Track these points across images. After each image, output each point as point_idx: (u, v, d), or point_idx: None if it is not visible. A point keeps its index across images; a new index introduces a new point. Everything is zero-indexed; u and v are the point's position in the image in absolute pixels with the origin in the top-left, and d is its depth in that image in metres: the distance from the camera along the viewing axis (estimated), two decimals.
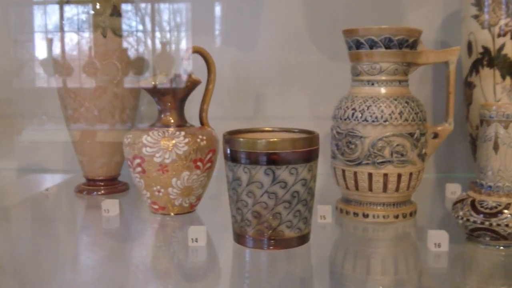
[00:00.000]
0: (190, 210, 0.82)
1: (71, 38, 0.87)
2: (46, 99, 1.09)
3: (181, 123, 0.81)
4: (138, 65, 0.92)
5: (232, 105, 1.11)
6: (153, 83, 0.80)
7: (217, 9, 1.11)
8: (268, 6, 1.09)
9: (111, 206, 0.81)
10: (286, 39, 1.10)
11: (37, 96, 1.13)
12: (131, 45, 0.91)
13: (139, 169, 0.78)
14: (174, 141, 0.77)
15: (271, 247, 0.66)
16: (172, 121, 0.81)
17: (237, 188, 0.66)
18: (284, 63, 1.10)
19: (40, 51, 1.06)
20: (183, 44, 1.06)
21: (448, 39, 1.07)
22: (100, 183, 0.95)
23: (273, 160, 0.63)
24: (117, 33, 0.88)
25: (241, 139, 0.65)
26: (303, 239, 0.67)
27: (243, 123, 1.08)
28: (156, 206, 0.80)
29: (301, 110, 1.11)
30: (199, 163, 0.78)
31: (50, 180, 1.05)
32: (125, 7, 0.90)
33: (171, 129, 0.78)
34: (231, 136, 0.67)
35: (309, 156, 0.65)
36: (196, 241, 0.68)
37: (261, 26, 1.10)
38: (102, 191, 0.95)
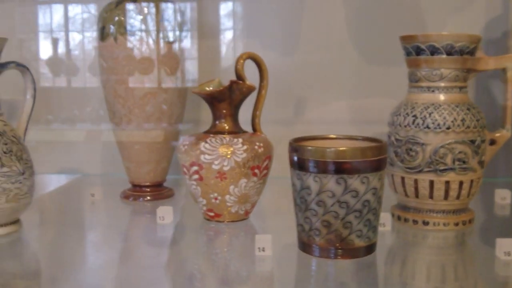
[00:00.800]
0: (244, 217, 0.81)
1: (123, 43, 0.86)
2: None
3: (236, 130, 0.80)
4: (185, 70, 0.92)
5: (273, 108, 1.10)
6: (210, 88, 0.80)
7: (258, 13, 1.10)
8: (309, 9, 1.09)
9: (166, 213, 0.81)
10: (327, 43, 1.09)
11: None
12: (180, 50, 0.90)
13: (196, 176, 0.77)
14: (232, 149, 0.76)
15: (339, 257, 0.65)
16: (227, 127, 0.80)
17: (306, 197, 0.65)
18: (325, 67, 1.10)
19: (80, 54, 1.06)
20: (229, 49, 1.06)
21: (492, 45, 1.06)
22: (146, 189, 0.95)
23: (344, 169, 0.63)
24: (169, 39, 0.88)
25: (310, 148, 0.64)
26: (370, 248, 0.67)
27: (284, 127, 1.09)
28: (211, 213, 0.80)
29: (341, 115, 1.10)
30: (256, 170, 0.78)
31: (91, 184, 1.05)
32: (166, 7, 0.89)
33: (229, 136, 0.78)
34: (298, 145, 0.66)
35: (379, 165, 0.64)
36: (263, 250, 0.67)
37: (302, 30, 1.10)
38: (148, 197, 0.94)
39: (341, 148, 0.63)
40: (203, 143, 0.77)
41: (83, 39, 1.12)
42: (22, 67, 0.78)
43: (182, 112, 0.94)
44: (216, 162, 0.76)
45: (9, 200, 0.73)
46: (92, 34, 1.11)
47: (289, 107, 1.11)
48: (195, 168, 0.77)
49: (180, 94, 0.92)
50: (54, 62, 1.13)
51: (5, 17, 1.12)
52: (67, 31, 1.12)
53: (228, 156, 0.76)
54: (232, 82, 0.78)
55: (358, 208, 0.63)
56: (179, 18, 0.90)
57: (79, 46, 1.13)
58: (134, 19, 0.86)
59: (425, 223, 0.77)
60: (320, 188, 0.63)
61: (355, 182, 0.63)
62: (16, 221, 0.78)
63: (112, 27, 0.87)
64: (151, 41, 0.86)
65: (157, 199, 0.94)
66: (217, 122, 0.81)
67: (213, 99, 0.79)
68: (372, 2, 1.08)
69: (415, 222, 0.77)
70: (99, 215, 0.91)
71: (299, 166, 0.66)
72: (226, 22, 1.09)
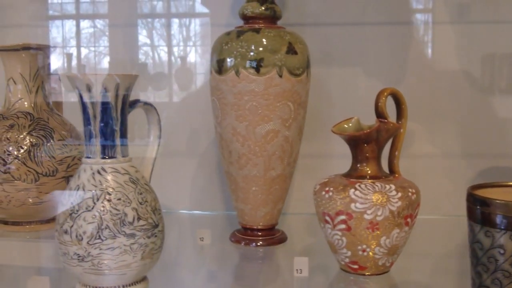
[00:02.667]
0: (387, 269, 0.74)
1: (246, 77, 0.80)
2: None
3: (380, 174, 0.73)
4: (306, 105, 0.85)
5: None
6: (349, 125, 0.73)
7: (360, 40, 1.04)
8: (416, 39, 1.02)
9: (302, 265, 0.74)
10: (435, 74, 1.03)
11: None
12: (300, 83, 0.83)
13: (342, 226, 0.70)
14: (386, 196, 0.69)
15: None
16: (370, 172, 0.73)
17: (497, 256, 0.58)
18: (433, 98, 1.03)
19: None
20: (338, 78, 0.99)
21: None
22: (258, 233, 0.88)
23: None
24: (293, 72, 0.81)
25: (499, 201, 0.57)
26: None
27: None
28: (355, 266, 0.73)
29: (450, 147, 1.04)
30: (408, 219, 0.71)
31: (192, 223, 0.98)
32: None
33: (380, 182, 0.71)
34: (484, 197, 0.59)
35: None
36: None
37: (409, 60, 1.03)
38: (261, 242, 0.87)
39: None
40: (352, 190, 0.70)
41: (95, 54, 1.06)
42: (149, 106, 0.71)
43: (299, 150, 0.87)
44: (369, 212, 0.69)
45: (144, 256, 0.66)
46: (98, 49, 1.05)
47: None
48: (342, 217, 0.70)
49: (300, 131, 0.85)
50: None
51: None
52: (78, 46, 1.06)
53: (383, 205, 0.69)
54: (380, 123, 0.71)
55: None
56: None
57: (91, 61, 1.07)
58: (257, 52, 0.80)
59: None
60: None
61: None
62: (144, 278, 0.70)
63: (233, 59, 0.80)
64: (276, 76, 0.80)
65: (270, 244, 0.87)
66: (358, 166, 0.74)
67: (357, 141, 0.72)
68: (486, 29, 1.01)
69: None
70: (218, 263, 0.84)
71: (483, 220, 0.59)
72: (334, 52, 1.03)
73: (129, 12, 1.07)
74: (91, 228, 0.63)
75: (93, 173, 0.65)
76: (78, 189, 0.65)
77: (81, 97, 0.66)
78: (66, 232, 0.64)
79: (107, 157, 0.66)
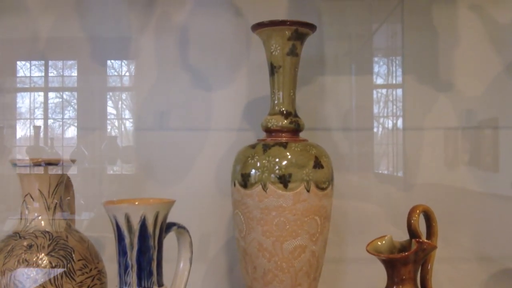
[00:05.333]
0: None
1: (274, 192, 0.78)
2: None
3: None
4: (330, 218, 0.84)
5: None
6: (382, 243, 0.72)
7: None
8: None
9: None
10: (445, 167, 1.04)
11: None
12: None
13: None
14: None
15: None
16: None
17: None
18: (443, 203, 1.04)
19: None
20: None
21: None
22: None
23: None
24: (320, 186, 0.80)
25: None
26: None
27: None
28: None
29: (464, 251, 1.03)
30: None
31: None
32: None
33: None
34: None
35: None
36: None
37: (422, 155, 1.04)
38: None
39: None
40: None
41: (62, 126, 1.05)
42: (182, 229, 0.69)
43: (323, 264, 0.85)
44: None
45: None
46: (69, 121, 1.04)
47: None
48: None
49: (325, 244, 0.84)
50: (36, 149, 1.05)
51: None
52: (46, 118, 1.04)
53: None
54: (418, 243, 0.70)
55: None
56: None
57: (59, 134, 1.05)
58: (285, 167, 0.79)
59: None
60: None
61: None
62: None
63: (259, 174, 0.79)
64: (304, 191, 0.79)
65: None
66: (394, 286, 0.72)
67: (395, 263, 0.71)
68: None
69: None
70: None
71: None
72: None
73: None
74: None
75: None
76: None
77: (117, 226, 0.63)
78: None
79: None
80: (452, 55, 1.03)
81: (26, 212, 0.77)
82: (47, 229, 0.77)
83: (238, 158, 0.84)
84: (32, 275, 0.73)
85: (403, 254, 0.70)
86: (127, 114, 1.05)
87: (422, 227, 0.75)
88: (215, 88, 1.03)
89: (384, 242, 0.74)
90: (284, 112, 0.83)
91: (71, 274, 0.74)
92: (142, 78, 1.04)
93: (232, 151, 1.00)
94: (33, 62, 1.05)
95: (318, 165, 0.81)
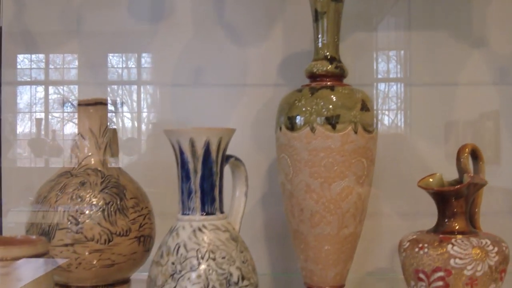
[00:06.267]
0: None
1: (322, 134, 0.79)
2: None
3: (468, 230, 0.73)
4: (375, 162, 0.85)
5: None
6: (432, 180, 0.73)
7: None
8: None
9: None
10: None
11: None
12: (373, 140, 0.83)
13: (440, 283, 0.69)
14: (485, 251, 0.68)
15: None
16: (458, 227, 0.72)
17: None
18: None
19: None
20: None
21: None
22: None
23: None
24: (367, 129, 0.81)
25: None
26: None
27: None
28: None
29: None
30: (503, 274, 0.70)
31: None
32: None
33: (473, 237, 0.70)
34: None
35: None
36: None
37: None
38: None
39: None
40: (450, 246, 0.69)
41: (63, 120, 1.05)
42: (239, 162, 0.69)
43: (367, 208, 0.86)
44: (469, 267, 0.68)
45: None
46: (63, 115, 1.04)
47: None
48: (439, 274, 0.68)
49: (370, 188, 0.84)
50: (36, 142, 1.05)
51: None
52: (47, 112, 1.05)
53: (483, 260, 0.68)
54: (471, 178, 0.71)
55: None
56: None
57: (59, 127, 1.06)
58: (333, 108, 0.80)
59: None
60: None
61: None
62: None
63: (307, 116, 0.80)
64: (352, 132, 0.80)
65: None
66: (446, 221, 0.73)
67: (447, 196, 0.72)
68: None
69: None
70: None
71: None
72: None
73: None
74: None
75: (194, 231, 0.62)
76: (178, 248, 0.62)
77: (181, 151, 0.63)
78: None
79: (206, 214, 0.64)
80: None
81: (77, 152, 0.78)
82: (98, 168, 0.77)
83: (284, 102, 0.85)
84: (86, 211, 0.73)
85: (456, 187, 0.71)
86: (162, 69, 1.05)
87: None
88: (251, 43, 1.04)
89: (434, 179, 0.75)
90: (329, 57, 0.84)
91: (124, 211, 0.75)
92: (177, 34, 1.04)
93: (268, 107, 1.01)
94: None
95: (364, 107, 0.82)
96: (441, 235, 0.72)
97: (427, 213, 0.95)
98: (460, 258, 0.68)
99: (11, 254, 0.54)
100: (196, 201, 0.63)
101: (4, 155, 1.03)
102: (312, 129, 0.80)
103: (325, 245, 0.82)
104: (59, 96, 1.06)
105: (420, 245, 0.71)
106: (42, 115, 1.05)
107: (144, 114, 1.04)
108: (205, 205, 0.64)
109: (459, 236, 0.70)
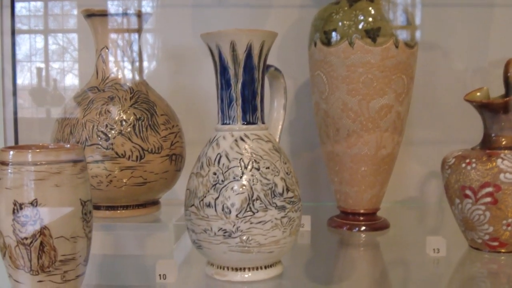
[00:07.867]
0: None
1: (362, 48, 0.75)
2: None
3: None
4: (414, 80, 0.81)
5: None
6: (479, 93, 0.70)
7: None
8: None
9: (438, 244, 0.69)
10: None
11: None
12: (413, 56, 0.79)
13: (487, 199, 0.66)
14: None
15: None
16: (505, 141, 0.69)
17: None
18: None
19: None
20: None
21: None
22: (360, 217, 0.82)
23: None
24: (408, 43, 0.77)
25: None
26: None
27: None
28: (495, 243, 0.68)
29: None
30: None
31: None
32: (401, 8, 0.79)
33: None
34: None
35: None
36: None
37: None
38: (364, 227, 0.82)
39: None
40: (500, 160, 0.66)
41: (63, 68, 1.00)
42: (278, 72, 0.65)
43: (405, 129, 0.82)
44: None
45: (292, 232, 0.60)
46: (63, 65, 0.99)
47: None
48: (488, 189, 0.66)
49: (409, 107, 0.81)
50: (38, 91, 1.01)
51: None
52: (47, 61, 1.00)
53: None
54: None
55: None
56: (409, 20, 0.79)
57: (60, 76, 1.01)
58: (373, 21, 0.75)
59: None
60: None
61: None
62: (280, 261, 0.63)
63: (346, 29, 0.75)
64: (393, 46, 0.75)
65: (373, 230, 0.82)
66: (493, 136, 0.70)
67: (496, 110, 0.68)
68: None
69: None
70: (324, 249, 0.78)
71: None
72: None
73: None
74: (241, 200, 0.56)
75: (236, 140, 0.59)
76: (220, 158, 0.58)
77: (220, 56, 0.59)
78: (209, 205, 0.57)
79: (247, 123, 0.60)
80: None
81: (103, 66, 0.73)
82: (127, 83, 0.73)
83: (319, 16, 0.80)
84: (116, 126, 0.69)
85: (506, 99, 0.67)
86: None
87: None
88: None
89: (481, 93, 0.71)
90: None
91: (156, 128, 0.71)
92: None
93: (294, 29, 0.96)
94: None
95: (406, 20, 0.77)
96: (487, 151, 0.68)
97: (458, 141, 0.93)
98: (511, 173, 0.65)
99: (47, 158, 0.50)
100: (237, 110, 0.60)
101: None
102: (351, 43, 0.75)
103: (362, 166, 0.79)
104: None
105: (467, 161, 0.68)
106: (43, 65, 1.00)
107: (164, 36, 0.99)
108: (246, 114, 0.60)
109: (508, 151, 0.67)
